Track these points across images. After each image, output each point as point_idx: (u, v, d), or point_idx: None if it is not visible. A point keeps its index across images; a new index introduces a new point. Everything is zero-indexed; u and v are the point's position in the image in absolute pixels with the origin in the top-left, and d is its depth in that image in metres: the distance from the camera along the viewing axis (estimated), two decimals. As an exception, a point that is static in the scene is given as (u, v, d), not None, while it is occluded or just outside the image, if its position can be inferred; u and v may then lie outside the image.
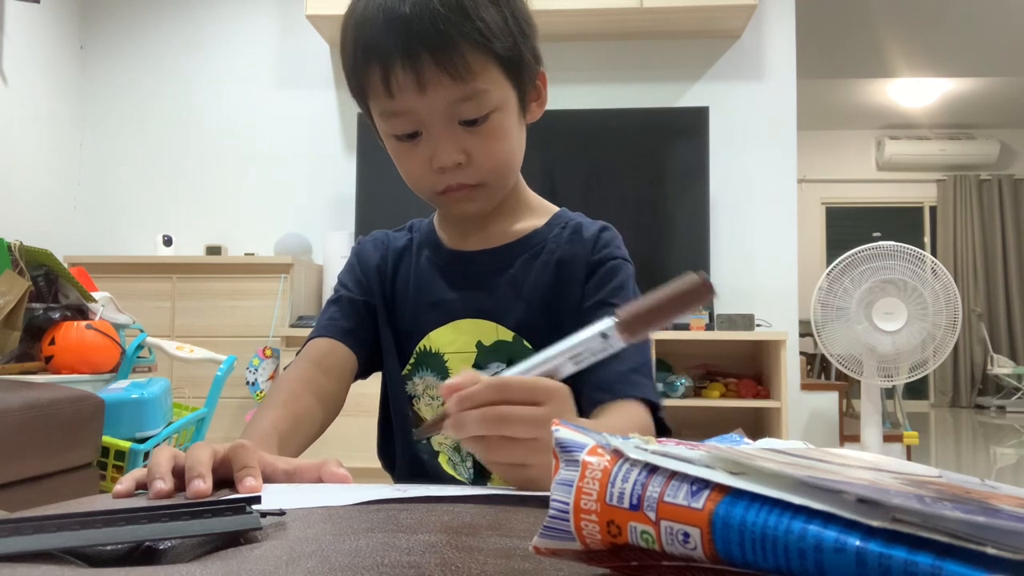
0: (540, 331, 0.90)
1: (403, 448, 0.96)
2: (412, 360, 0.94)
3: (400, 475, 0.97)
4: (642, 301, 0.58)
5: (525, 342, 0.91)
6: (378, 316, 0.96)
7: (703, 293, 0.57)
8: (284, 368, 0.93)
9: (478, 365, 0.91)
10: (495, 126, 0.84)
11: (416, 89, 0.79)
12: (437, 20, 0.78)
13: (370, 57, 0.80)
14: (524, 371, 0.60)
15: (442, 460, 0.93)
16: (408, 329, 0.95)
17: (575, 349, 0.59)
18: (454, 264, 0.95)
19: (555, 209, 1.00)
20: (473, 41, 0.79)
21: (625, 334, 0.58)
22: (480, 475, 0.92)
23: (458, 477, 0.92)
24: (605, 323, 0.58)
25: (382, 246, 1.00)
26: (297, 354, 0.93)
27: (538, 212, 0.98)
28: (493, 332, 0.91)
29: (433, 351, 0.93)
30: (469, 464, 0.92)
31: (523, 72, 0.86)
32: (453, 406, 0.57)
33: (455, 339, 0.92)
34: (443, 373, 0.92)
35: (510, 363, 0.90)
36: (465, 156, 0.83)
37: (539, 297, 0.92)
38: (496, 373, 0.70)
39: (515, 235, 0.95)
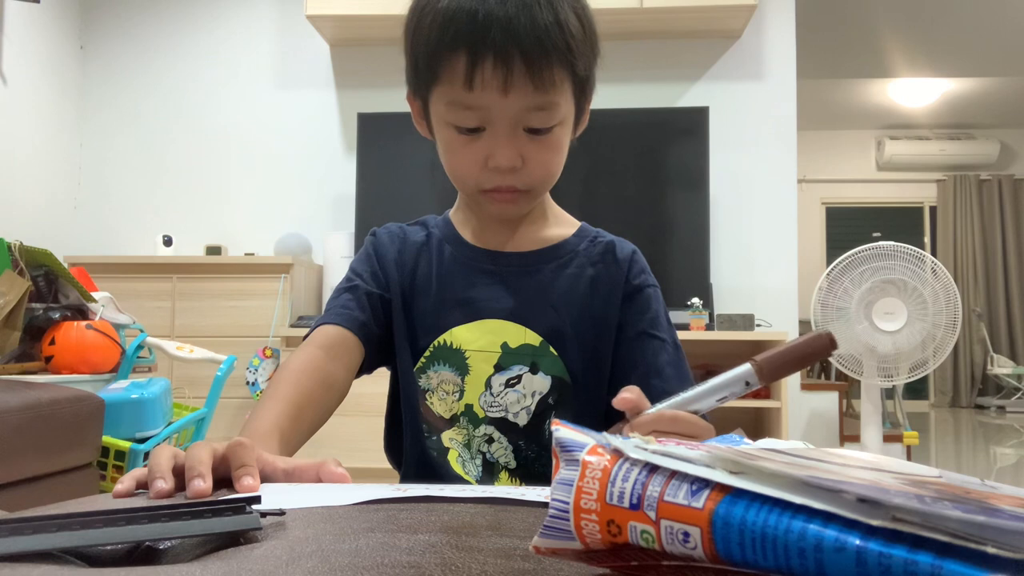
0: (567, 340, 0.92)
1: (412, 444, 0.95)
2: (427, 353, 0.94)
3: (407, 471, 0.96)
4: (777, 351, 0.68)
5: (551, 348, 0.91)
6: (393, 311, 0.95)
7: (828, 350, 0.67)
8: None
9: (500, 365, 0.91)
10: (555, 138, 0.86)
11: (500, 89, 0.80)
12: (537, 28, 0.79)
13: (458, 46, 0.80)
14: (678, 404, 0.69)
15: (451, 457, 0.93)
16: (427, 324, 0.94)
17: (720, 389, 0.68)
18: (481, 262, 0.95)
19: (577, 222, 1.02)
20: (562, 56, 0.81)
21: (762, 380, 0.68)
22: (488, 474, 0.92)
23: (465, 476, 0.92)
24: (747, 371, 0.68)
25: (399, 239, 1.00)
26: (305, 338, 0.91)
27: (563, 222, 1.00)
28: (520, 335, 0.92)
29: (454, 347, 0.93)
30: (479, 462, 0.92)
31: (587, 93, 0.89)
32: (628, 429, 0.65)
33: (479, 338, 0.92)
34: (463, 370, 0.92)
35: (533, 367, 0.91)
36: (521, 161, 0.85)
37: (570, 308, 0.93)
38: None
39: (543, 242, 0.97)
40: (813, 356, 0.68)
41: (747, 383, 0.67)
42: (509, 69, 0.79)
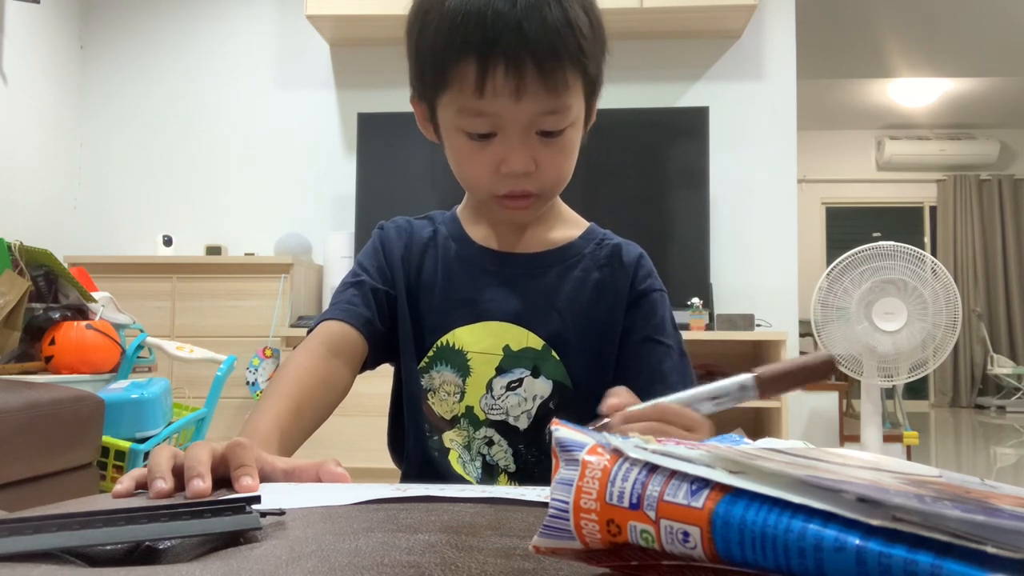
0: (570, 344, 0.91)
1: (414, 443, 0.95)
2: (431, 354, 0.93)
3: (409, 470, 0.96)
4: (778, 366, 0.69)
5: (554, 352, 0.91)
6: (398, 308, 0.95)
7: (828, 370, 0.69)
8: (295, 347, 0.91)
9: (502, 368, 0.91)
10: (567, 141, 0.85)
11: (512, 96, 0.78)
12: (548, 31, 0.77)
13: (467, 52, 0.78)
14: (675, 401, 0.68)
15: (452, 458, 0.92)
16: (431, 323, 0.94)
17: (717, 392, 0.68)
18: (486, 263, 0.95)
19: (586, 223, 1.01)
20: (573, 58, 0.79)
21: (759, 391, 0.68)
22: (488, 476, 0.91)
23: (466, 476, 0.92)
24: (746, 378, 0.68)
25: (406, 235, 0.99)
26: (309, 332, 0.91)
27: (571, 223, 0.99)
28: (523, 338, 0.91)
29: (456, 348, 0.92)
30: (478, 464, 0.92)
31: (597, 90, 0.88)
32: (618, 420, 0.65)
33: (481, 339, 0.92)
34: (464, 371, 0.92)
35: (535, 371, 0.90)
36: (535, 165, 0.84)
37: (574, 312, 0.92)
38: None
39: (550, 244, 0.96)
40: (812, 376, 0.69)
41: (743, 388, 0.67)
42: (521, 75, 0.77)
